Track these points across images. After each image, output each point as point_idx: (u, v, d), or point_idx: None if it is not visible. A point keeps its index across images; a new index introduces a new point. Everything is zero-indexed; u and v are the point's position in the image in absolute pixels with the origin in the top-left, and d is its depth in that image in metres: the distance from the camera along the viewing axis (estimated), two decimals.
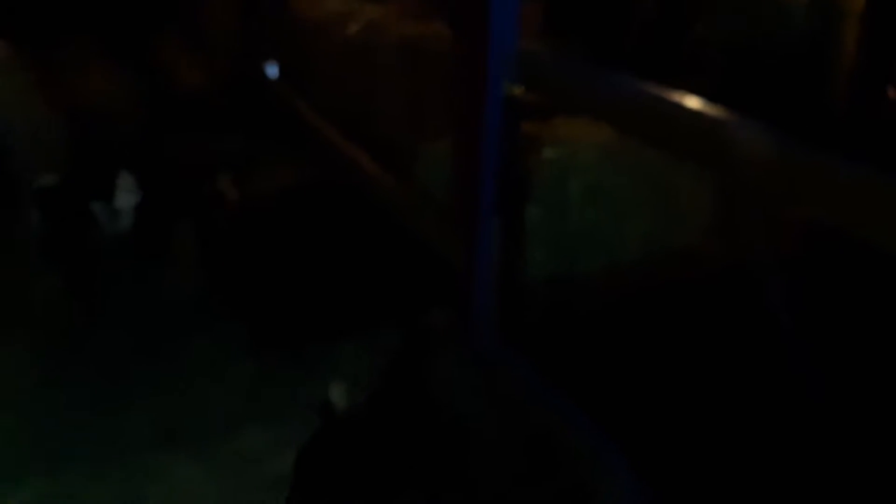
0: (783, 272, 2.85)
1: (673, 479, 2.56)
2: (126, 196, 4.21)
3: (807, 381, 2.59)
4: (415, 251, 3.84)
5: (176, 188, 4.29)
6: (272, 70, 5.36)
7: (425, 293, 3.78)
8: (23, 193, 4.68)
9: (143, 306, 3.94)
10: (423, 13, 4.51)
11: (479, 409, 3.06)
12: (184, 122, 4.81)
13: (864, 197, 1.89)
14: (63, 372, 3.51)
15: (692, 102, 2.21)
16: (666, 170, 3.78)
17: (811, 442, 2.52)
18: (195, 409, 3.24)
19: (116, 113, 4.83)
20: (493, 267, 3.29)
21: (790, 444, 2.58)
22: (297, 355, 3.50)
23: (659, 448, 2.65)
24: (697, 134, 2.24)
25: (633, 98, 2.46)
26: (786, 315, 2.81)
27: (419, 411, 2.27)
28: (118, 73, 5.22)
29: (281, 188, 4.19)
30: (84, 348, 3.68)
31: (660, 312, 3.27)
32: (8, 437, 3.13)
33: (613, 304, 3.42)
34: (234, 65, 5.41)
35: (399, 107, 4.70)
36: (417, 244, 3.89)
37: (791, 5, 3.66)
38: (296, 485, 2.22)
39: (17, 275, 4.36)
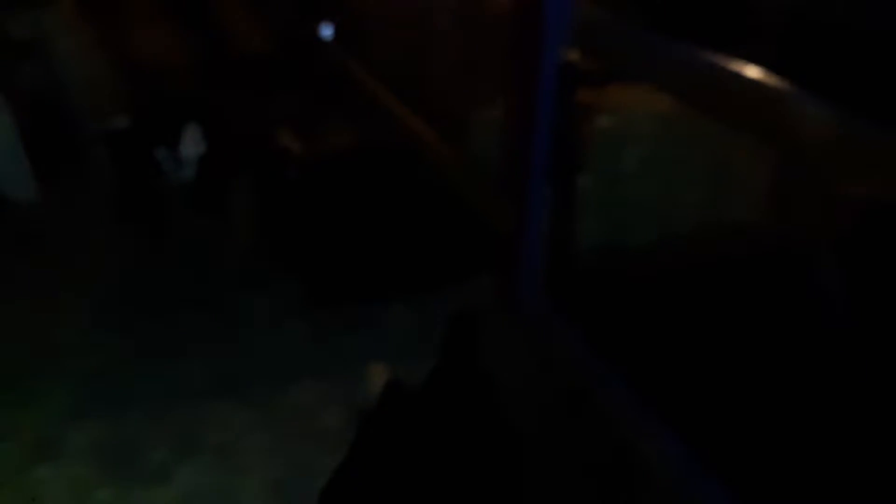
0: (836, 251, 2.82)
1: (712, 442, 2.58)
2: (191, 147, 4.27)
3: (852, 363, 2.58)
4: (464, 217, 3.87)
5: (238, 143, 4.35)
6: (327, 32, 5.39)
7: (473, 259, 3.82)
8: (84, 141, 4.84)
9: (200, 257, 4.05)
10: None
11: (524, 375, 3.09)
12: (242, 81, 4.90)
13: None
14: (120, 318, 3.65)
15: (752, 72, 2.19)
16: (722, 142, 3.75)
17: (852, 421, 2.51)
18: (249, 360, 3.34)
19: (177, 69, 4.93)
20: (543, 235, 3.31)
21: (832, 422, 2.58)
22: (347, 314, 3.58)
23: (699, 414, 2.67)
24: (757, 105, 2.21)
25: (691, 66, 2.43)
26: (835, 295, 2.79)
27: (473, 392, 2.27)
28: (180, 32, 5.33)
29: (339, 148, 4.24)
30: (141, 295, 3.81)
31: (709, 287, 3.26)
32: (67, 381, 3.27)
33: (663, 276, 3.42)
34: (290, 27, 5.46)
35: (453, 72, 4.70)
36: (467, 210, 3.92)
37: None
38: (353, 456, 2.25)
39: (77, 220, 4.53)
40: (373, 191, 3.98)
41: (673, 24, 2.59)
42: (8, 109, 4.43)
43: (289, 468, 2.82)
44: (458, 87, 4.61)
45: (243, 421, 3.04)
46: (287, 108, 4.40)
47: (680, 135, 3.72)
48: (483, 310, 3.29)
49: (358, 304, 3.62)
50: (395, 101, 4.81)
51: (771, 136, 2.45)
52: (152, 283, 3.90)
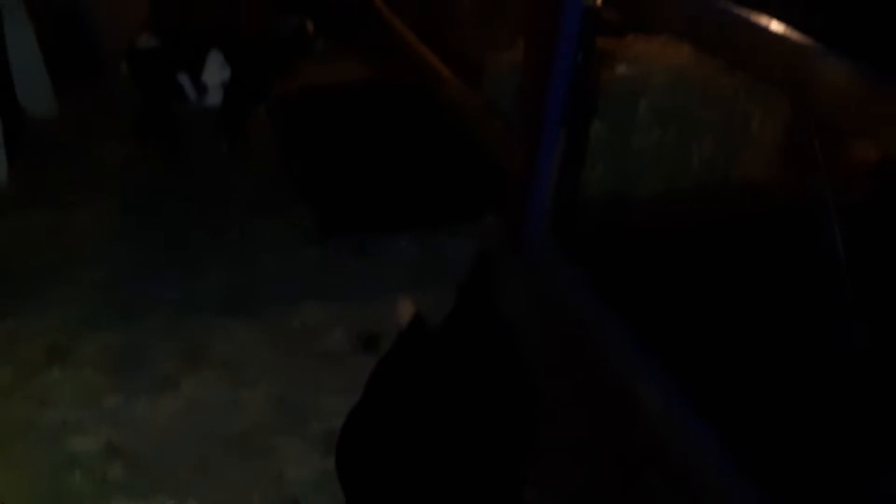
0: (846, 211, 2.86)
1: (704, 385, 2.67)
2: (215, 74, 4.21)
3: (855, 325, 2.64)
4: (476, 156, 3.92)
5: (259, 70, 4.35)
6: None
7: (482, 198, 3.88)
8: (106, 58, 4.85)
9: (216, 181, 4.10)
10: None
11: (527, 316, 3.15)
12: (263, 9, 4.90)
13: None
14: (137, 235, 3.72)
15: (776, 26, 2.21)
16: (737, 96, 3.77)
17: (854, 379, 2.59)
18: (258, 281, 3.41)
19: None
20: (553, 177, 3.36)
21: (824, 371, 2.66)
22: (359, 243, 3.65)
23: (694, 359, 2.76)
24: (778, 59, 2.24)
25: (715, 17, 2.46)
26: (842, 254, 2.83)
27: (494, 334, 2.28)
28: None
29: (356, 79, 4.25)
30: (158, 214, 3.88)
31: (714, 240, 3.32)
32: (84, 291, 3.35)
33: (668, 228, 3.48)
34: None
35: (474, 12, 4.69)
36: (479, 149, 3.96)
37: None
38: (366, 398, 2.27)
39: (96, 136, 4.58)
40: (386, 123, 4.02)
41: None
42: (30, 25, 4.42)
43: (292, 385, 2.92)
44: (478, 27, 4.61)
45: (250, 338, 3.13)
46: (307, 37, 4.38)
47: (694, 88, 3.75)
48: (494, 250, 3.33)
49: (368, 234, 3.69)
50: (414, 37, 4.81)
51: (790, 90, 2.48)
52: (167, 203, 3.96)
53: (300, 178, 4.00)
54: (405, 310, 2.23)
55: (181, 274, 3.45)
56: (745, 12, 2.33)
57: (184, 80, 4.21)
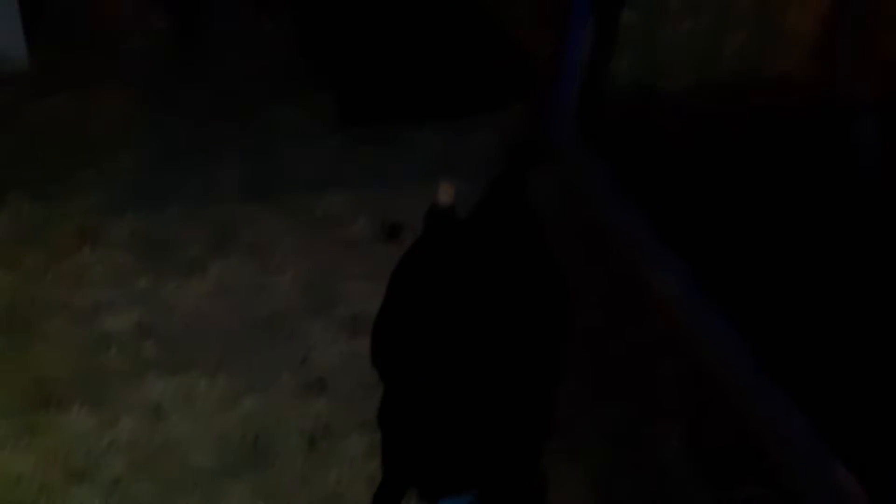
0: (876, 110, 2.81)
1: (719, 278, 2.70)
2: None
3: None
4: (502, 43, 3.83)
5: None
6: None
7: (507, 86, 3.81)
8: None
9: (237, 68, 4.03)
10: None
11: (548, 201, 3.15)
12: None
13: None
14: (159, 121, 3.71)
15: None
16: None
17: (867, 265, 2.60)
18: (281, 170, 3.42)
19: None
20: (580, 67, 3.31)
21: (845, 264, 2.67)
22: (381, 133, 3.63)
23: (714, 252, 2.78)
24: None
25: None
26: (870, 151, 2.81)
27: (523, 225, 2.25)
28: None
29: None
30: (180, 101, 3.84)
31: (741, 135, 3.28)
32: (110, 176, 3.38)
33: (695, 121, 3.42)
34: None
35: None
36: (506, 36, 3.87)
37: None
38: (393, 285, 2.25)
39: (118, 19, 4.50)
40: (409, 7, 3.86)
41: None
42: None
43: (318, 270, 2.98)
44: None
45: (274, 224, 3.17)
46: None
47: None
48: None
49: (390, 124, 3.66)
50: None
51: None
52: (188, 89, 3.92)
53: (321, 66, 3.92)
54: (446, 194, 2.20)
55: (204, 161, 3.46)
56: None
57: None
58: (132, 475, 2.25)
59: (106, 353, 2.63)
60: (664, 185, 3.09)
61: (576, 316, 2.79)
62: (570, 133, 3.46)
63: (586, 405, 2.52)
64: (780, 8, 3.61)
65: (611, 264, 3.05)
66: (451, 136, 3.62)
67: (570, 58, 3.28)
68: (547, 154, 3.41)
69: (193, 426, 2.41)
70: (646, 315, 2.87)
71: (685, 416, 2.52)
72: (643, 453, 2.43)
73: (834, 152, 2.97)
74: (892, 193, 2.62)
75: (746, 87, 3.46)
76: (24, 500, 2.17)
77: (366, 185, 3.33)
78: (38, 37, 4.04)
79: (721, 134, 3.27)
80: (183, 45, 4.21)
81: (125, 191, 3.31)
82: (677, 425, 2.47)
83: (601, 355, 2.70)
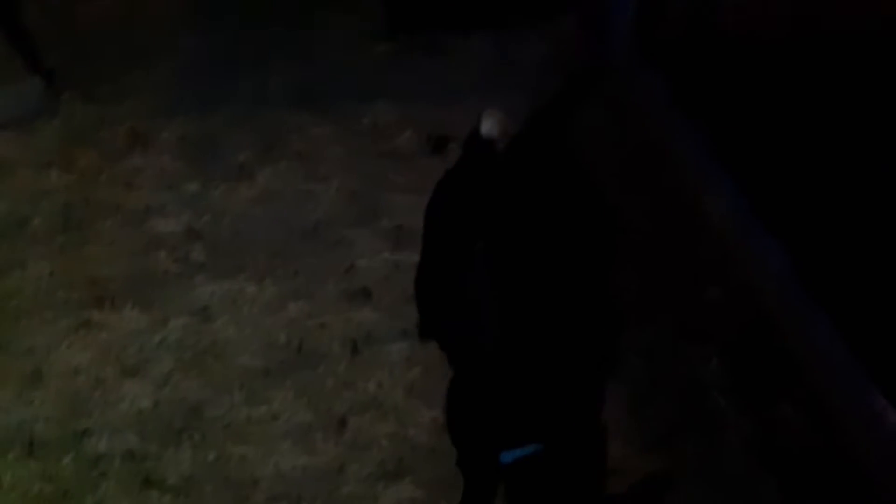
0: None
1: (781, 202, 2.64)
2: None
3: None
4: None
5: None
6: None
7: None
8: None
9: None
10: None
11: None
12: None
13: None
14: (208, 26, 3.69)
15: None
16: None
17: None
18: (329, 78, 3.40)
19: None
20: None
21: None
22: (430, 41, 3.57)
23: (771, 176, 2.72)
24: None
25: None
26: None
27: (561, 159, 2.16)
28: None
29: None
30: (230, 5, 3.80)
31: (807, 52, 3.14)
32: (160, 80, 3.42)
33: (758, 35, 3.28)
34: None
35: None
36: None
37: None
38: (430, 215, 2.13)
39: None
40: None
41: None
42: None
43: (363, 180, 2.99)
44: None
45: (322, 133, 3.18)
46: None
47: None
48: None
49: (440, 32, 3.59)
50: None
51: None
52: None
53: None
54: (490, 124, 2.12)
55: (253, 67, 3.46)
56: None
57: None
58: (181, 373, 2.34)
59: (156, 256, 2.70)
60: (724, 102, 2.99)
61: (628, 237, 2.79)
62: (625, 44, 3.35)
63: (627, 324, 2.53)
64: None
65: (662, 183, 3.00)
66: (501, 47, 3.54)
67: None
68: (596, 65, 3.32)
69: (240, 329, 2.48)
70: (695, 236, 2.84)
71: (726, 338, 2.52)
72: (680, 373, 2.44)
73: None
74: None
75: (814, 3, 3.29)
76: (81, 392, 2.28)
77: (413, 97, 3.28)
78: None
79: (789, 49, 3.13)
80: None
81: (174, 94, 3.34)
82: (717, 346, 2.47)
83: (646, 275, 2.69)
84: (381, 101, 3.31)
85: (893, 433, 2.14)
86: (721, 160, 2.84)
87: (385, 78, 3.41)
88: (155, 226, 2.81)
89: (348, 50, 3.53)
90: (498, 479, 1.84)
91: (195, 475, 2.09)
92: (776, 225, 2.62)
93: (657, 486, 1.84)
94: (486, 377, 1.82)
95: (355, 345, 2.44)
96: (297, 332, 2.49)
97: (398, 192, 2.94)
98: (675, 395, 2.37)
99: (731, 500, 2.13)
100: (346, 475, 2.11)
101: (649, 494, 1.82)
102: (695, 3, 3.34)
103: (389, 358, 2.41)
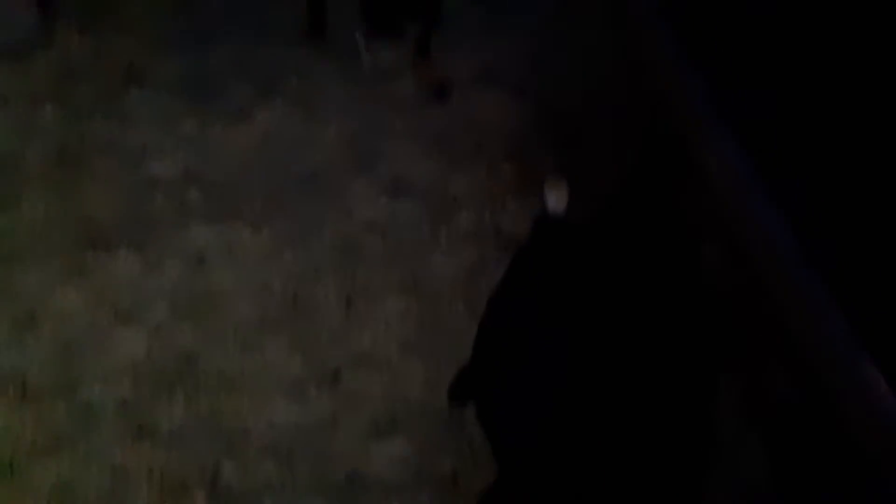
0: None
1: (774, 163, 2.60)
2: None
3: None
4: None
5: None
6: None
7: None
8: None
9: None
10: None
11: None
12: None
13: None
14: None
15: None
16: None
17: None
18: (331, 17, 3.23)
19: None
20: None
21: None
22: None
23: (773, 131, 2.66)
24: None
25: None
26: None
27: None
28: None
29: None
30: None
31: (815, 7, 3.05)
32: (159, 13, 3.31)
33: None
34: None
35: None
36: None
37: None
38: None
39: None
40: None
41: None
42: None
43: (362, 124, 2.94)
44: None
45: (322, 73, 3.10)
46: None
47: None
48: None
49: None
50: None
51: None
52: None
53: None
54: (556, 196, 1.95)
55: (255, 3, 3.34)
56: None
57: None
58: (175, 321, 2.34)
59: (152, 198, 2.67)
60: (729, 55, 2.91)
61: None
62: None
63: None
64: None
65: (664, 133, 2.94)
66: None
67: None
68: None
69: (235, 277, 2.47)
70: (691, 191, 2.80)
71: (721, 298, 2.50)
72: None
73: None
74: None
75: None
76: (75, 337, 2.28)
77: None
78: None
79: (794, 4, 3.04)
80: None
81: (174, 28, 3.25)
82: (716, 310, 2.46)
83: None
84: (383, 44, 3.22)
85: (885, 403, 2.15)
86: (725, 115, 2.79)
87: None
88: (151, 167, 2.77)
89: None
90: None
91: (187, 425, 2.10)
92: (776, 185, 2.58)
93: None
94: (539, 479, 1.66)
95: (349, 298, 2.43)
96: (292, 281, 2.47)
97: (398, 139, 2.89)
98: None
99: (721, 466, 2.15)
100: (338, 430, 2.12)
101: None
102: None
103: (384, 312, 2.41)
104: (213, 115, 2.94)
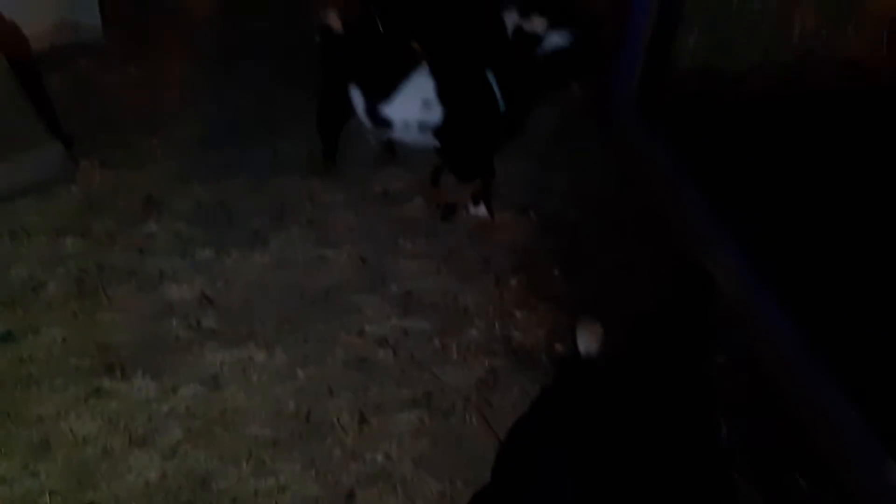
0: None
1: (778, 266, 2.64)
2: (410, 104, 2.95)
3: None
4: (563, 17, 3.76)
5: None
6: None
7: (567, 64, 3.75)
8: None
9: (302, 43, 4.04)
10: None
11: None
12: None
13: None
14: (226, 93, 3.79)
15: None
16: None
17: None
18: (342, 146, 3.41)
19: None
20: (645, 42, 3.24)
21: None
22: None
23: (777, 239, 2.72)
24: None
25: None
26: None
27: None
28: None
29: None
30: (246, 72, 3.93)
31: (808, 118, 3.18)
32: (177, 146, 3.48)
33: (761, 103, 3.34)
34: None
35: None
36: (567, 10, 3.79)
37: None
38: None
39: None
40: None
41: None
42: None
43: (373, 245, 3.03)
44: None
45: (335, 199, 3.23)
46: None
47: None
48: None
49: None
50: None
51: None
52: (254, 61, 4.01)
53: None
54: (590, 338, 1.90)
55: (268, 134, 3.54)
56: None
57: (356, 95, 3.03)
58: (190, 443, 2.34)
59: (169, 322, 2.72)
60: (727, 167, 3.02)
61: (631, 296, 2.77)
62: (631, 112, 3.40)
63: None
64: None
65: (668, 246, 3.01)
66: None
67: (634, 32, 3.21)
68: (603, 130, 3.37)
69: (249, 397, 2.49)
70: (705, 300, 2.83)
71: (735, 406, 2.49)
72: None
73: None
74: None
75: (815, 70, 3.34)
76: (89, 462, 2.28)
77: (423, 166, 3.33)
78: (109, 7, 4.14)
79: (787, 117, 3.18)
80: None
81: (192, 161, 3.40)
82: (726, 415, 2.45)
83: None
84: (391, 169, 3.37)
85: None
86: (727, 223, 2.86)
87: (396, 146, 3.45)
88: (168, 292, 2.83)
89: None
90: None
91: None
92: (782, 289, 2.62)
93: None
94: None
95: (363, 414, 2.44)
96: (305, 400, 2.49)
97: (408, 258, 2.97)
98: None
99: None
100: None
101: None
102: (697, 73, 3.40)
103: (398, 428, 2.41)
104: (229, 241, 3.03)
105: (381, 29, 3.11)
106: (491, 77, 2.90)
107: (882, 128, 3.06)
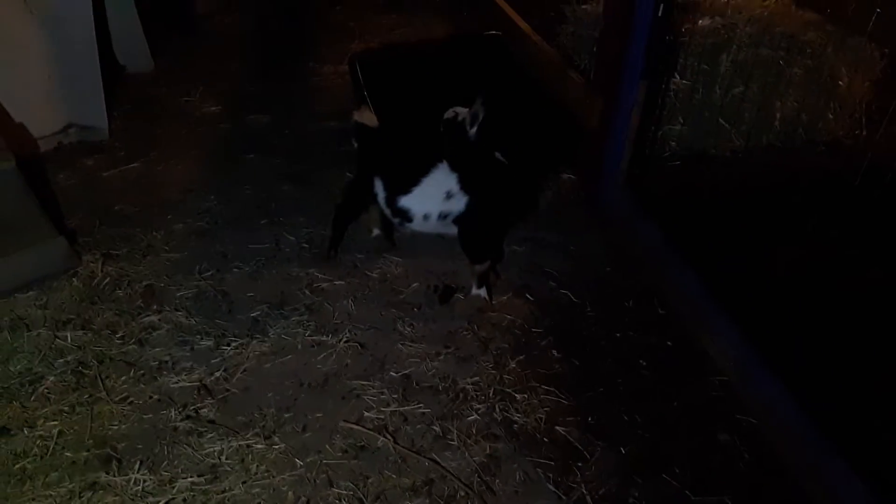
0: None
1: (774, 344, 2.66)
2: (432, 196, 3.09)
3: None
4: (551, 110, 3.90)
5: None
6: None
7: (556, 153, 3.87)
8: (196, 18, 4.99)
9: (301, 136, 4.19)
10: None
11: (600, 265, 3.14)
12: None
13: None
14: (227, 187, 3.90)
15: None
16: (824, 51, 3.64)
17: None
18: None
19: None
20: (630, 132, 3.35)
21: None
22: None
23: (769, 319, 2.74)
24: None
25: None
26: None
27: None
28: None
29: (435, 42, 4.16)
30: (247, 167, 4.05)
31: (792, 200, 3.26)
32: (179, 239, 3.55)
33: (747, 187, 3.42)
34: None
35: None
36: (554, 103, 3.94)
37: None
38: None
39: (190, 92, 4.79)
40: (460, 76, 3.88)
41: None
42: None
43: (372, 331, 3.04)
44: None
45: (334, 287, 3.27)
46: None
47: (781, 41, 3.64)
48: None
49: None
50: None
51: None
52: (255, 156, 4.13)
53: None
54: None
55: (268, 225, 3.61)
56: None
57: (378, 187, 3.19)
58: None
59: (167, 413, 2.71)
60: (716, 249, 3.08)
61: (629, 378, 2.78)
62: (619, 198, 3.49)
63: (637, 469, 2.50)
64: (832, 74, 3.61)
65: (663, 328, 3.04)
66: None
67: (619, 123, 3.32)
68: (593, 217, 3.43)
69: (247, 488, 2.46)
70: (699, 380, 2.84)
71: (738, 484, 2.47)
72: None
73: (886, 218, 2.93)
74: None
75: (797, 153, 3.45)
76: None
77: (419, 252, 3.39)
78: (116, 108, 4.31)
79: (772, 199, 3.26)
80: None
81: (193, 253, 3.46)
82: (729, 494, 2.42)
83: (651, 420, 2.67)
84: (390, 255, 3.42)
85: None
86: (721, 303, 2.89)
87: (394, 235, 3.52)
88: (167, 382, 2.83)
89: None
90: None
91: None
92: (780, 366, 2.63)
93: None
94: None
95: (363, 503, 2.41)
96: (304, 490, 2.46)
97: (406, 342, 2.99)
98: None
99: None
100: None
101: None
102: (683, 159, 3.51)
103: None
104: (228, 331, 3.05)
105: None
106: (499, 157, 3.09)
107: (864, 204, 3.13)
